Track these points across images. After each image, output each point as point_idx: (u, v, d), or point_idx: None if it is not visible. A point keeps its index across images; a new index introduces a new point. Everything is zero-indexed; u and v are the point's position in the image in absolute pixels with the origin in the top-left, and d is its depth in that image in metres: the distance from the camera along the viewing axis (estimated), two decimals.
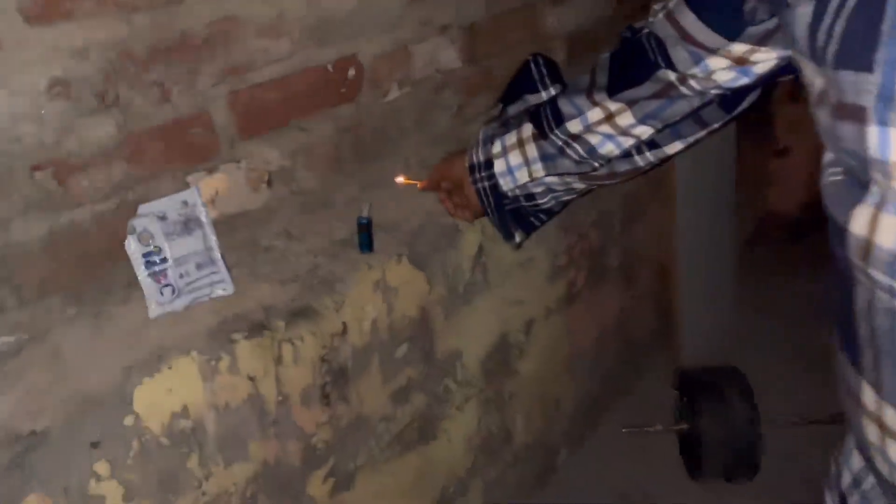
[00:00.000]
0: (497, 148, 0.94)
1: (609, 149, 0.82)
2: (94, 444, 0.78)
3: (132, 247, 0.89)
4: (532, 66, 1.01)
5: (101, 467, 0.78)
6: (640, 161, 0.86)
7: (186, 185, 0.95)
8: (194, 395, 0.85)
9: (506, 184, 0.94)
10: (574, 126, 0.82)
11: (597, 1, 1.60)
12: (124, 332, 0.87)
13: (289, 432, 0.96)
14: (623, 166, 0.88)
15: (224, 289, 0.94)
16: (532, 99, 1.00)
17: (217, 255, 0.95)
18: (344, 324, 0.99)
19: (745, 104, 0.77)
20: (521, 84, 1.02)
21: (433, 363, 1.17)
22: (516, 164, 0.92)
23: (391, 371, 1.09)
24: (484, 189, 0.96)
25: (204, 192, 0.96)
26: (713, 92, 0.71)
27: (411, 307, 1.09)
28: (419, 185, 1.08)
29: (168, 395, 0.83)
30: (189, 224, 0.93)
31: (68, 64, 0.81)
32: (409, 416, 1.15)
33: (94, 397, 0.79)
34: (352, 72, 1.09)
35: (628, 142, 0.81)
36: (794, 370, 1.85)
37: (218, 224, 0.98)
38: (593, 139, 0.82)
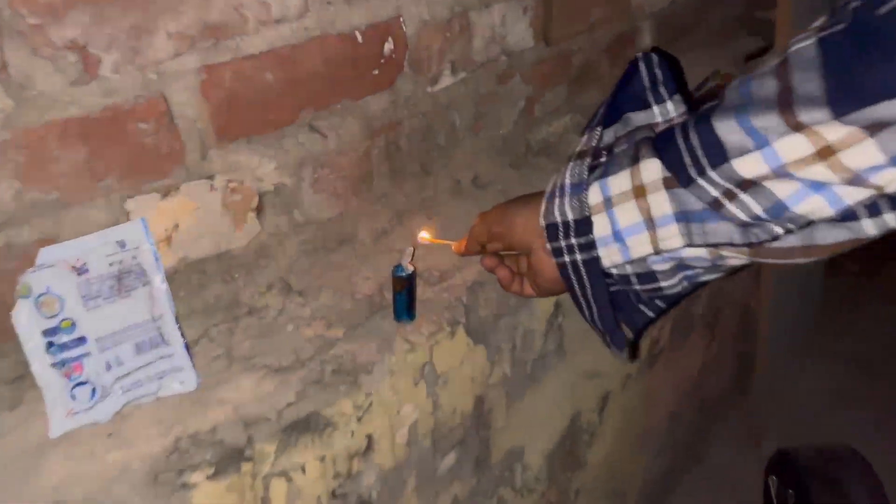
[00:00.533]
0: (596, 197, 0.56)
1: (815, 206, 0.45)
2: None
3: (24, 319, 0.53)
4: (642, 67, 0.61)
5: None
6: (869, 228, 0.48)
7: (126, 216, 0.59)
8: None
9: (610, 256, 0.57)
10: (749, 166, 0.46)
11: None
12: (27, 459, 0.52)
13: None
14: (833, 235, 0.49)
15: (182, 382, 0.59)
16: (637, 119, 0.62)
17: (172, 327, 0.59)
18: (369, 438, 0.63)
19: None
20: (622, 96, 0.62)
21: (487, 471, 0.82)
22: (631, 226, 0.55)
23: (431, 493, 0.74)
24: (574, 264, 0.58)
25: (155, 226, 0.61)
26: None
27: (465, 399, 0.74)
28: (455, 246, 0.71)
29: None
30: (126, 279, 0.57)
31: None
32: None
33: None
34: (389, 45, 0.74)
35: (858, 195, 0.44)
36: (887, 439, 1.52)
37: (176, 275, 0.63)
38: (784, 189, 0.45)
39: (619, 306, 0.63)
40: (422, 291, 0.71)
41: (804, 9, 1.23)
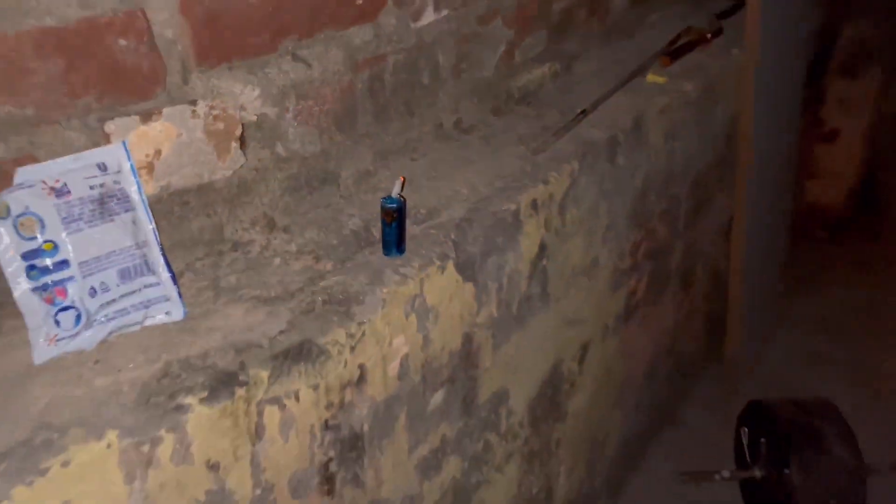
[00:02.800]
0: None
1: None
2: None
3: (3, 241, 0.52)
4: None
5: None
6: None
7: (106, 139, 0.58)
8: (117, 499, 0.49)
9: None
10: None
11: None
12: (8, 388, 0.51)
13: None
14: None
15: (168, 312, 0.58)
16: None
17: (157, 254, 0.58)
18: (361, 368, 0.63)
19: None
20: None
21: (474, 413, 0.83)
22: None
23: (421, 431, 0.74)
24: None
25: (136, 151, 0.59)
26: None
27: (454, 336, 0.75)
28: None
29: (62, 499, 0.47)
30: (108, 204, 0.56)
31: None
32: (438, 492, 0.81)
33: None
34: None
35: None
36: (859, 398, 1.58)
37: (158, 204, 0.61)
38: None
39: None
40: (409, 229, 0.71)
41: None
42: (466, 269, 0.73)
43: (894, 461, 1.28)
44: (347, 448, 0.65)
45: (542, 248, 0.86)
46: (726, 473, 1.31)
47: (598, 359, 1.11)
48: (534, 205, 0.81)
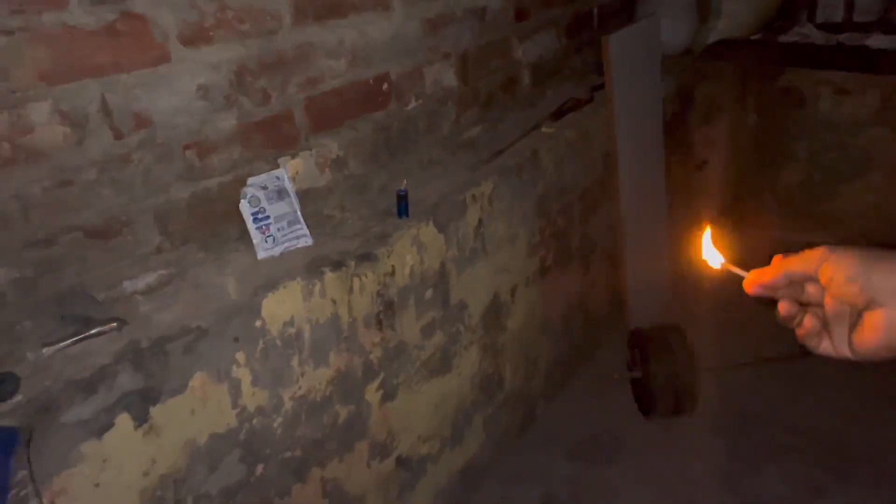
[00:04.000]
0: None
1: None
2: (236, 339, 1.13)
3: (245, 208, 1.25)
4: None
5: (240, 356, 1.13)
6: None
7: (277, 165, 1.32)
8: (297, 310, 1.21)
9: None
10: None
11: (551, 40, 2.07)
12: (241, 269, 1.23)
13: (355, 348, 1.32)
14: None
15: (306, 241, 1.31)
16: None
17: (300, 216, 1.31)
18: (392, 267, 1.36)
19: None
20: None
21: (449, 309, 1.56)
22: None
23: (422, 309, 1.47)
24: None
25: (289, 171, 1.34)
26: None
27: (435, 261, 1.48)
28: (751, 281, 0.62)
29: (281, 307, 1.18)
30: (281, 193, 1.30)
31: (208, 75, 1.18)
32: (433, 348, 1.52)
33: (236, 308, 1.14)
34: (385, 86, 1.50)
35: None
36: (723, 328, 2.31)
37: (297, 195, 1.35)
38: None
39: None
40: (410, 208, 1.45)
41: (621, 56, 2.06)
42: (440, 227, 1.47)
43: (716, 365, 2.02)
44: (387, 307, 1.37)
45: (480, 221, 1.60)
46: (616, 375, 2.03)
47: (524, 298, 1.84)
48: (473, 197, 1.56)
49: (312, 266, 1.24)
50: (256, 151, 1.28)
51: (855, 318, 0.56)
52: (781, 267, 0.58)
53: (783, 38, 2.41)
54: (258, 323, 1.15)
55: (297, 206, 1.31)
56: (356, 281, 1.29)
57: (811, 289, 0.59)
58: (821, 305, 0.59)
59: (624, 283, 2.30)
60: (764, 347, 2.16)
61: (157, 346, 1.03)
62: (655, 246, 2.46)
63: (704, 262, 0.68)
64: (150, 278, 1.14)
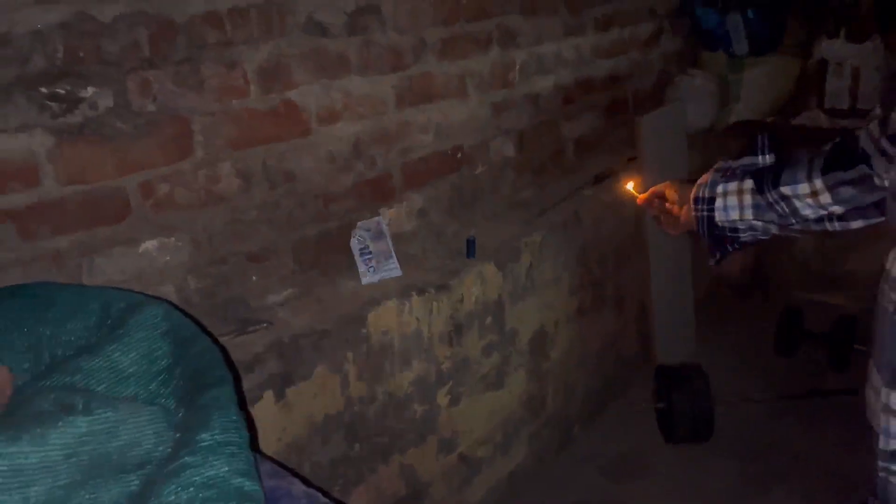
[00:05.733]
0: (720, 190, 1.19)
1: (807, 213, 1.11)
2: (348, 341, 1.48)
3: (354, 245, 1.63)
4: (759, 139, 1.23)
5: (349, 355, 1.48)
6: (828, 226, 1.13)
7: (378, 213, 1.70)
8: (392, 323, 1.56)
9: (719, 217, 1.20)
10: (786, 190, 1.10)
11: (592, 119, 2.45)
12: (350, 290, 1.60)
13: (431, 358, 1.67)
14: (815, 227, 1.13)
15: (397, 272, 1.68)
16: (750, 160, 1.22)
17: (393, 253, 1.68)
18: (462, 295, 1.72)
19: None
20: (749, 150, 1.24)
21: (504, 334, 1.89)
22: (732, 206, 1.18)
23: (483, 332, 1.81)
24: (702, 217, 1.23)
25: (386, 218, 1.72)
26: None
27: (494, 293, 1.83)
28: (639, 197, 1.38)
29: (380, 319, 1.54)
30: (380, 234, 1.68)
31: (335, 144, 1.58)
32: (490, 365, 1.86)
33: (348, 317, 1.49)
34: (459, 155, 1.89)
35: (823, 212, 1.10)
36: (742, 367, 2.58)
37: (392, 237, 1.73)
38: (797, 203, 1.10)
39: (718, 243, 1.25)
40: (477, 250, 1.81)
41: (652, 134, 2.42)
42: (499, 266, 1.82)
43: (736, 398, 2.29)
44: (457, 328, 1.72)
45: (531, 264, 1.95)
46: (644, 405, 2.32)
47: (565, 332, 2.16)
48: (526, 244, 1.91)
49: (403, 291, 1.60)
50: (364, 202, 1.67)
51: (675, 213, 1.31)
52: (650, 190, 1.36)
53: (794, 121, 2.76)
54: (364, 330, 1.50)
55: (391, 246, 1.68)
56: (435, 304, 1.65)
57: (665, 202, 1.33)
58: (670, 210, 1.32)
59: (652, 325, 2.60)
60: (778, 385, 2.43)
61: (294, 341, 1.40)
62: (680, 294, 2.77)
63: (624, 189, 1.47)
64: (287, 292, 1.52)
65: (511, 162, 2.08)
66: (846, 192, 1.05)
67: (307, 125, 1.51)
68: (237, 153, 1.41)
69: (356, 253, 1.63)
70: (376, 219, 1.68)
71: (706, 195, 1.22)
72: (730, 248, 1.25)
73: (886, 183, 0.95)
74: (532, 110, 2.12)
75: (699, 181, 1.26)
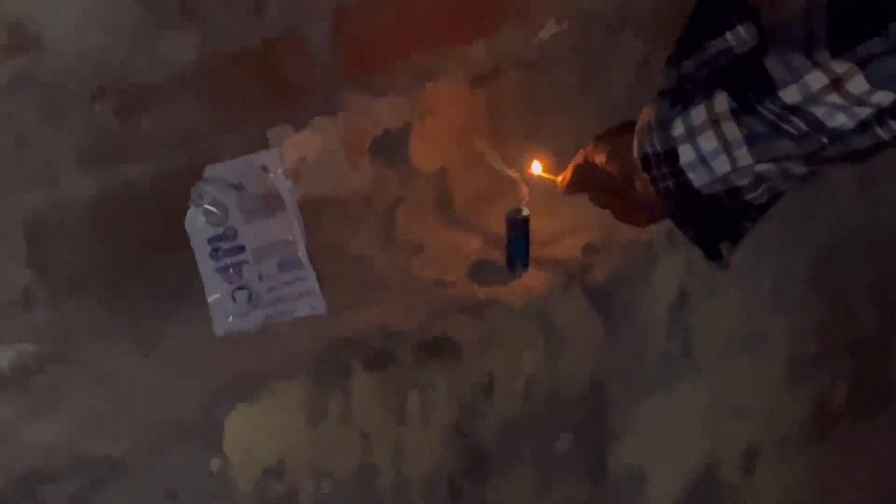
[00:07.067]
0: (679, 130, 1.37)
1: (841, 121, 1.27)
2: (172, 494, 1.40)
3: (197, 224, 1.54)
4: None
5: None
6: (883, 134, 1.29)
7: (265, 143, 1.62)
8: (295, 444, 1.47)
9: (698, 178, 1.38)
10: (791, 95, 1.26)
11: None
12: (179, 354, 1.51)
13: None
14: (861, 141, 1.31)
15: (313, 306, 1.59)
16: (715, 46, 1.44)
17: (304, 252, 1.59)
18: (490, 375, 1.63)
19: None
20: (697, 26, 1.48)
21: (605, 483, 1.80)
22: (711, 151, 1.36)
23: (546, 475, 1.72)
24: (668, 189, 1.41)
25: (287, 157, 1.63)
26: None
27: (582, 371, 1.74)
28: (560, 181, 1.63)
29: (259, 437, 1.45)
30: (270, 201, 1.59)
31: None
32: None
33: (175, 428, 1.40)
34: None
35: (865, 111, 1.25)
36: None
37: (302, 207, 1.64)
38: (818, 111, 1.26)
39: (719, 225, 1.48)
40: (536, 251, 1.72)
41: None
42: (596, 298, 1.73)
43: None
44: (474, 462, 1.63)
45: (683, 294, 1.85)
46: None
47: (772, 477, 2.07)
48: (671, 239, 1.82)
49: (328, 357, 1.51)
50: (228, 111, 1.58)
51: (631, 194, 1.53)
52: (581, 169, 1.59)
53: None
54: (215, 464, 1.42)
55: (298, 232, 1.59)
56: (414, 396, 1.56)
57: (605, 179, 1.56)
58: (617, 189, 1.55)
59: None
60: None
61: (22, 490, 1.31)
62: None
63: (531, 173, 1.70)
64: (9, 355, 1.44)
65: (637, 12, 2.00)
66: (886, 65, 1.18)
67: None
68: None
69: (199, 249, 1.55)
70: (259, 158, 1.59)
71: (657, 147, 1.40)
72: (747, 225, 1.51)
73: None
74: None
75: (638, 123, 1.44)
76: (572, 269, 1.72)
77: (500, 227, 1.71)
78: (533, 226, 1.73)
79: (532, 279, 1.69)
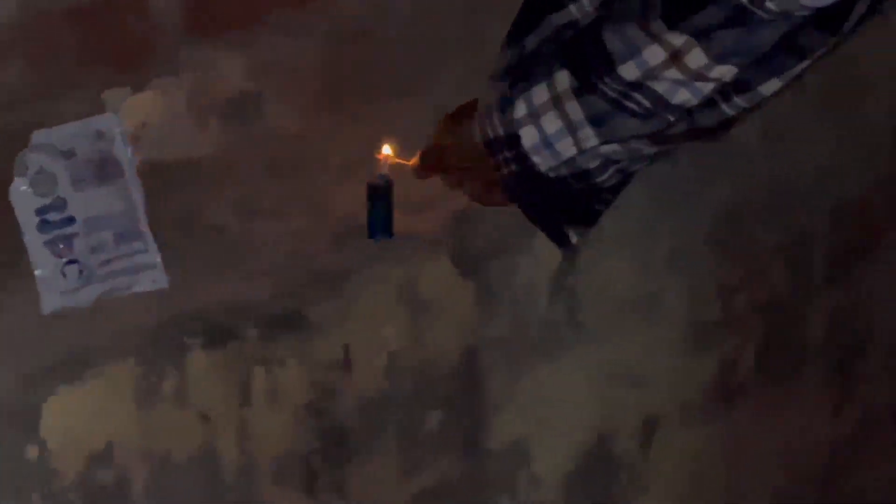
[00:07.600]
0: (521, 111, 1.37)
1: (684, 97, 1.27)
2: None
3: (22, 195, 1.44)
4: None
5: None
6: (729, 110, 1.34)
7: (101, 107, 1.51)
8: (124, 427, 1.37)
9: (543, 162, 1.39)
10: (629, 71, 1.25)
11: None
12: (17, 332, 1.41)
13: None
14: (708, 119, 1.36)
15: (154, 280, 1.48)
16: (557, 20, 1.40)
17: (144, 223, 1.49)
18: (346, 347, 1.53)
19: (853, 20, 1.22)
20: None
21: (483, 457, 1.71)
22: (555, 132, 1.35)
23: (416, 454, 1.63)
24: (511, 174, 1.42)
25: (127, 121, 1.52)
26: (800, 13, 1.13)
27: (452, 343, 1.64)
28: (412, 164, 1.58)
29: (85, 420, 1.35)
30: (105, 168, 1.48)
31: None
32: None
33: None
34: None
35: (708, 87, 1.26)
36: None
37: (142, 178, 1.53)
38: (659, 87, 1.25)
39: (569, 210, 1.50)
40: (406, 219, 1.62)
41: None
42: (467, 264, 1.63)
43: None
44: (332, 443, 1.53)
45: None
46: None
47: (673, 449, 1.97)
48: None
49: (164, 334, 1.41)
50: (58, 73, 1.48)
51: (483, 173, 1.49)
52: (432, 150, 1.56)
53: None
54: (31, 452, 1.32)
55: (138, 201, 1.49)
56: (259, 374, 1.46)
57: (457, 160, 1.53)
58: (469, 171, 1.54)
59: None
60: None
61: None
62: None
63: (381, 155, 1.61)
64: None
65: None
66: (725, 37, 1.18)
67: None
68: None
69: (26, 221, 1.44)
70: (94, 122, 1.49)
71: (499, 130, 1.40)
72: (599, 208, 1.56)
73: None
74: None
75: (479, 106, 1.46)
76: (441, 236, 1.62)
77: (363, 195, 1.61)
78: (401, 193, 1.63)
79: (396, 247, 1.59)
